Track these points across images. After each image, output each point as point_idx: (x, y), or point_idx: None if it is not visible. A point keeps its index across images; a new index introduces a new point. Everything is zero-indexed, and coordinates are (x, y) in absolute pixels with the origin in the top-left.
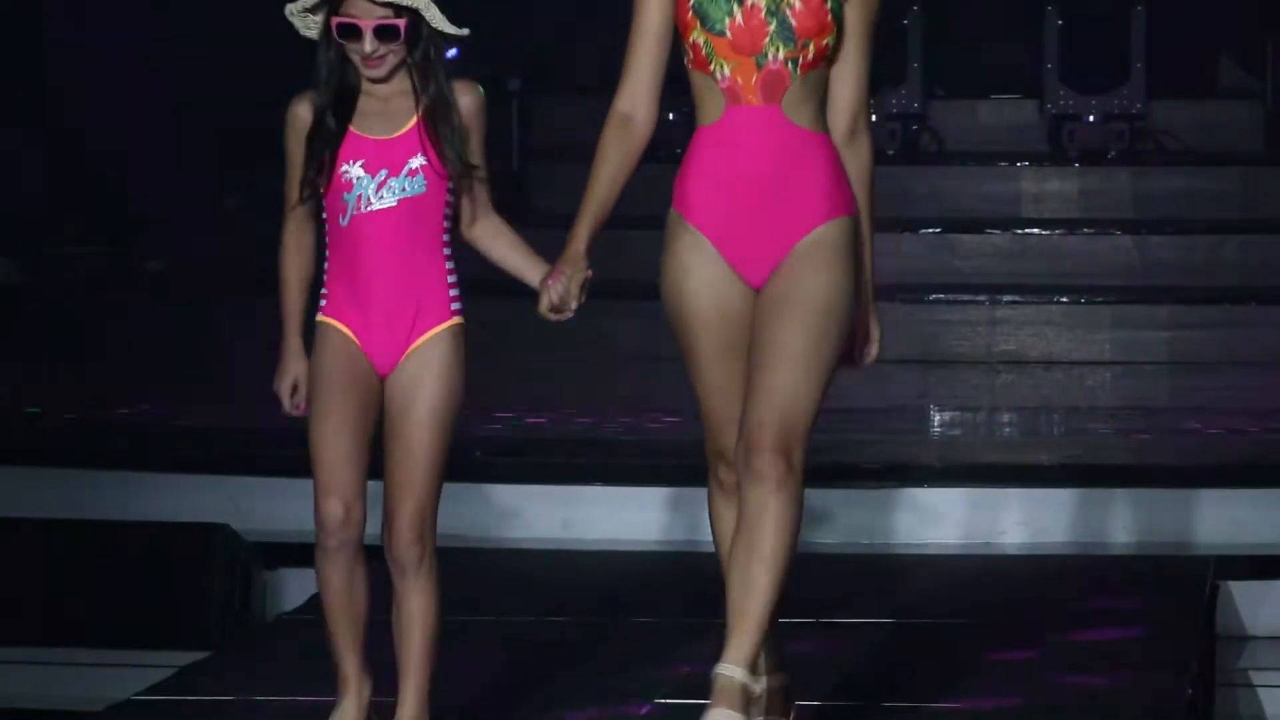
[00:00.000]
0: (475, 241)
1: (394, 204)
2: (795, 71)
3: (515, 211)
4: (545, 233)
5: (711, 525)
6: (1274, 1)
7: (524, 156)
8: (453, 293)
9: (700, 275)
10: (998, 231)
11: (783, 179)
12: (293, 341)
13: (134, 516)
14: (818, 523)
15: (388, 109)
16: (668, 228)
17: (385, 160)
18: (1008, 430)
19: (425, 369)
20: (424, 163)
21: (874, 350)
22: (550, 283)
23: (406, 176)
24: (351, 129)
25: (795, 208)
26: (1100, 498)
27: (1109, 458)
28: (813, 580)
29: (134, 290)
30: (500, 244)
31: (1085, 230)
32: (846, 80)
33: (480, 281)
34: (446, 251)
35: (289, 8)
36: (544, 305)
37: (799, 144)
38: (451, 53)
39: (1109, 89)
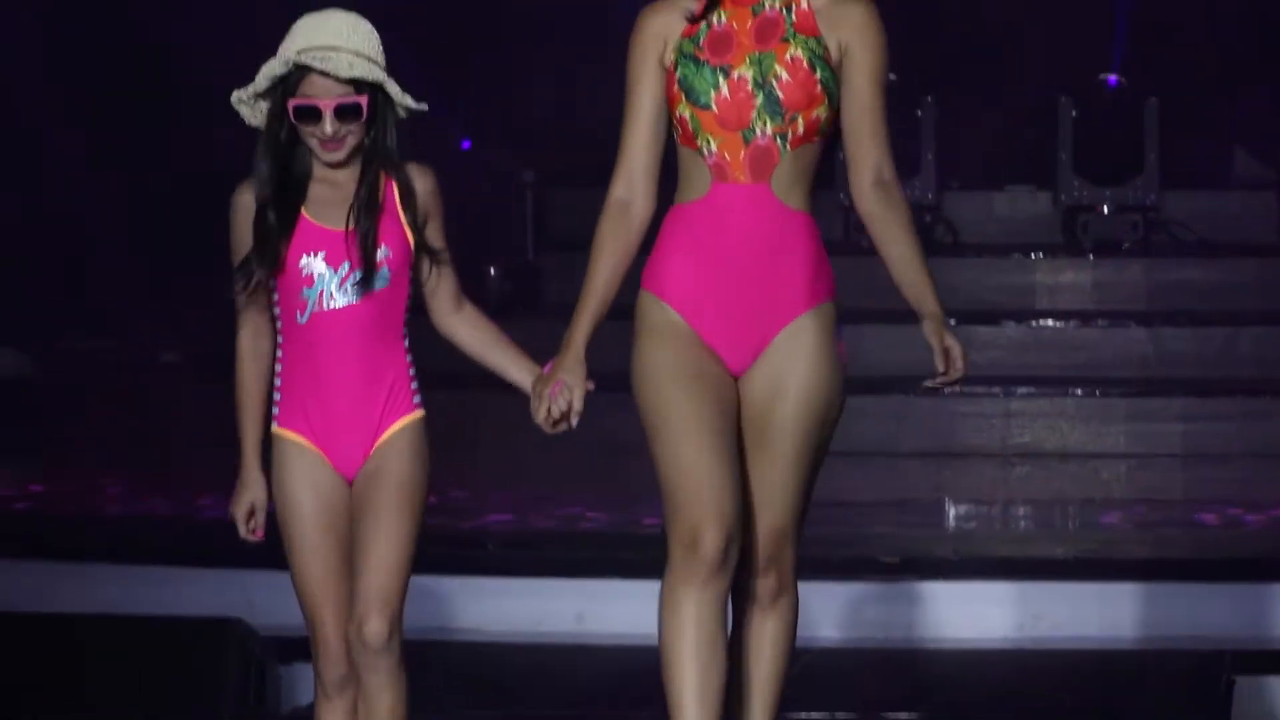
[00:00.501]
0: (453, 334)
1: (359, 299)
2: (785, 147)
3: (529, 304)
4: (560, 325)
5: (663, 622)
6: None
7: (538, 249)
8: (414, 385)
9: (676, 350)
10: (1012, 323)
11: (768, 262)
12: (251, 464)
13: (147, 610)
14: (833, 616)
15: (345, 195)
16: (639, 309)
17: (349, 253)
18: (1023, 523)
19: (389, 459)
20: (388, 254)
21: (959, 365)
22: (553, 395)
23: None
24: (308, 218)
25: (778, 294)
26: (1116, 591)
27: (1124, 551)
28: (833, 674)
29: (148, 382)
30: (482, 338)
31: (1100, 322)
32: (862, 138)
33: (487, 376)
34: (406, 344)
35: (236, 95)
36: (542, 416)
37: (786, 225)
38: (465, 144)
39: (1123, 180)
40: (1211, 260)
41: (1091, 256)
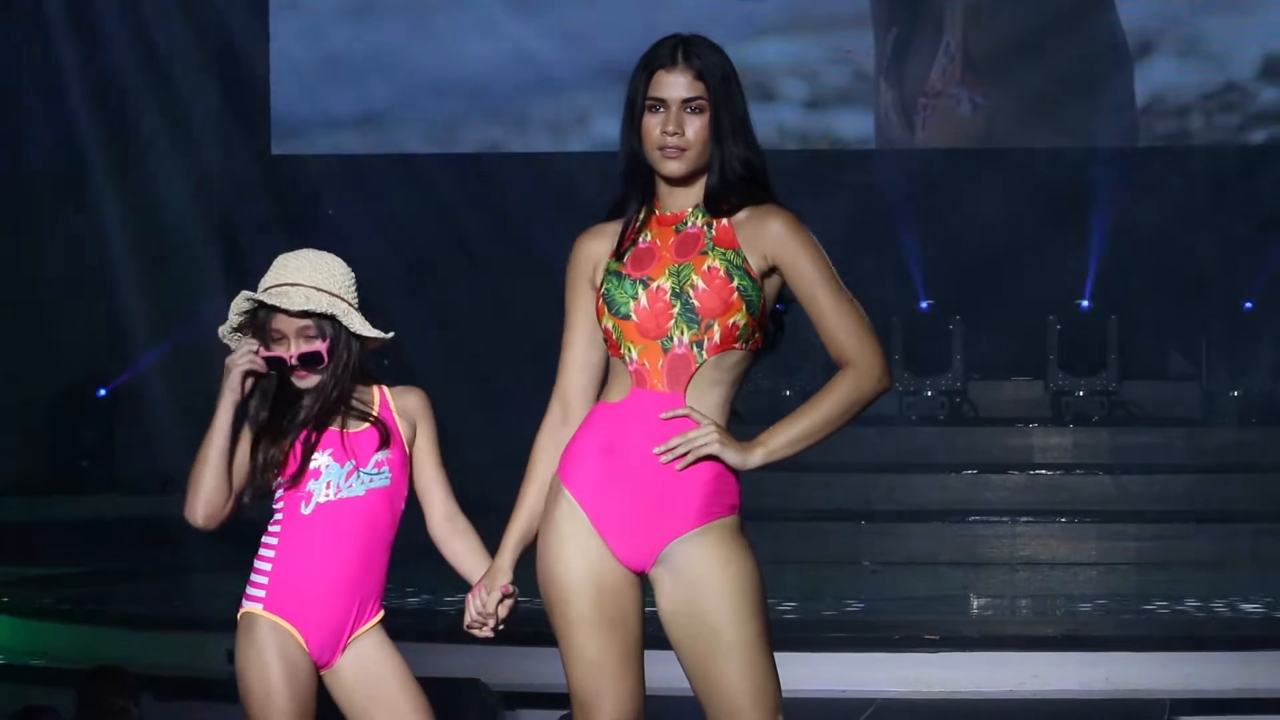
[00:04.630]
0: (436, 541)
1: (362, 494)
2: (701, 354)
3: None
4: None
5: None
6: (1207, 315)
7: None
8: (384, 588)
9: (575, 544)
10: (1016, 472)
11: (668, 472)
12: None
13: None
14: (892, 677)
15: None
16: (550, 492)
17: (352, 452)
18: (1024, 611)
19: (382, 657)
20: (389, 455)
21: (691, 436)
22: (469, 597)
23: (373, 468)
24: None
25: (672, 506)
26: (1089, 658)
27: (1094, 630)
28: (893, 718)
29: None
30: (457, 544)
31: (1077, 471)
32: (829, 335)
33: None
34: (389, 550)
35: (221, 330)
36: (465, 620)
37: None
38: None
39: (1093, 373)
40: (1155, 429)
41: (1071, 426)
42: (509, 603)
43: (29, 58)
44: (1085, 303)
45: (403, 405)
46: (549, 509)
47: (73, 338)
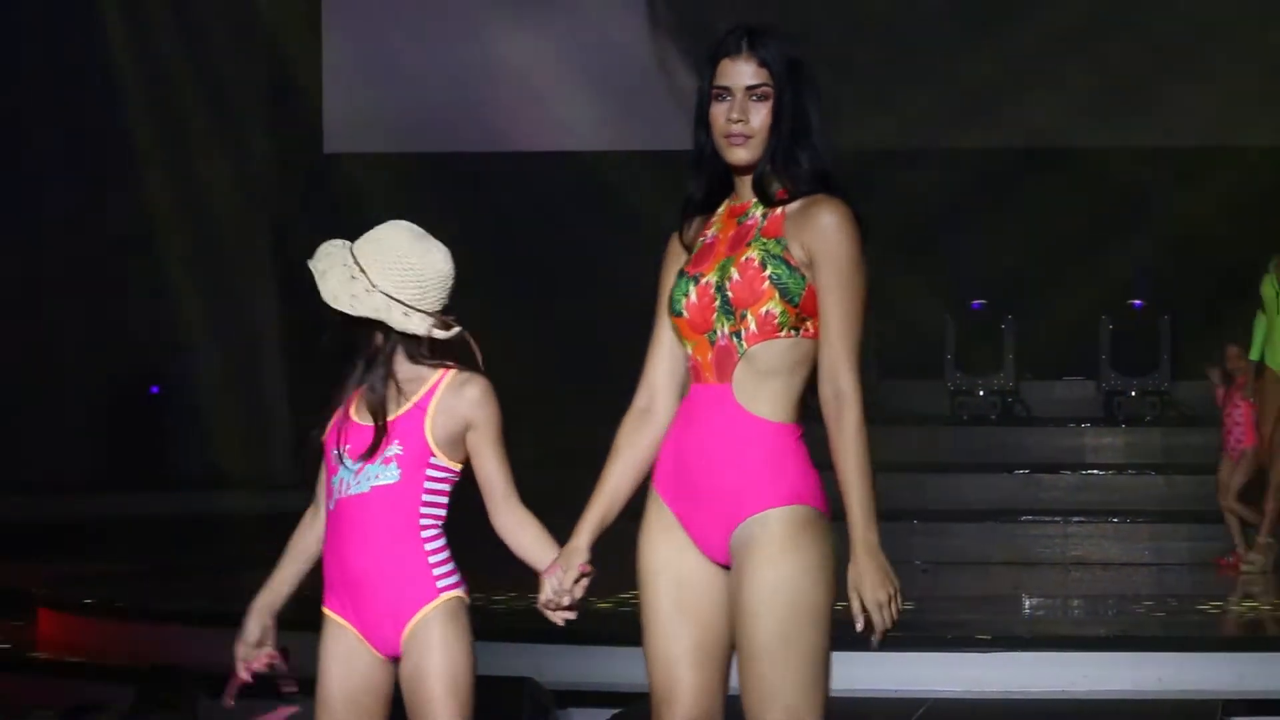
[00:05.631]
0: (499, 533)
1: (367, 490)
2: (741, 345)
3: None
4: None
5: None
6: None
7: None
8: (438, 571)
9: (663, 538)
10: (1068, 473)
11: (726, 462)
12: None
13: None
14: (943, 677)
15: (378, 395)
16: (647, 494)
17: (367, 446)
18: (1076, 611)
19: (424, 651)
20: (399, 451)
21: (862, 620)
22: (546, 576)
23: (381, 464)
24: (351, 415)
25: (734, 494)
26: (1140, 658)
27: (1147, 630)
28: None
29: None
30: (522, 536)
31: (1129, 472)
32: (824, 343)
33: None
34: (429, 534)
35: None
36: (540, 599)
37: (744, 431)
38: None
39: (1145, 373)
40: (1209, 429)
41: (1123, 426)
42: (585, 582)
43: (84, 59)
44: (1138, 302)
45: (453, 398)
46: (645, 509)
47: (126, 336)
